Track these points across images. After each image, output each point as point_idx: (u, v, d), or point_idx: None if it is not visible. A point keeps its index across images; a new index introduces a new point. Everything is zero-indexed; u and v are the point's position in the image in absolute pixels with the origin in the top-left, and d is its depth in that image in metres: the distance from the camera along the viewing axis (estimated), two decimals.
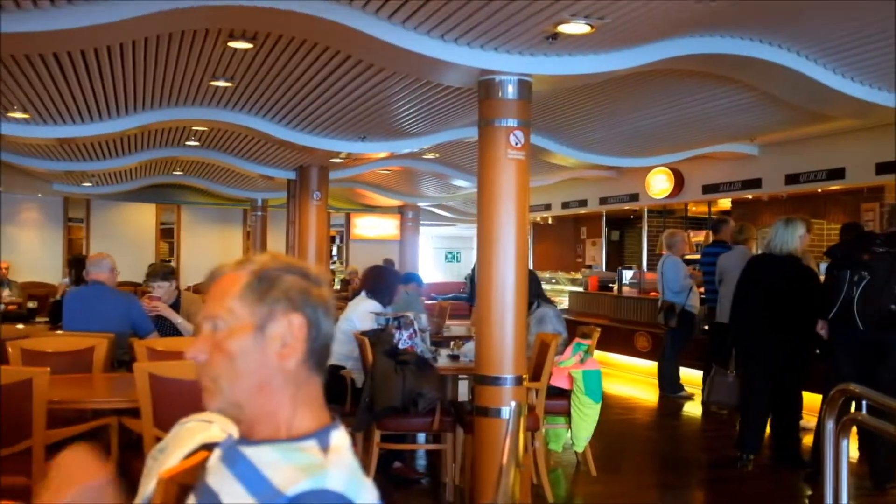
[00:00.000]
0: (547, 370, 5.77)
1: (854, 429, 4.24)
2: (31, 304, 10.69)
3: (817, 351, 6.25)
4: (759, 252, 8.18)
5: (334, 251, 20.49)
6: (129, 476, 3.51)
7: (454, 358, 6.10)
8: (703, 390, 8.33)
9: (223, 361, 1.40)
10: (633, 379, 11.17)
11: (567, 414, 6.24)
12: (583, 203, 15.22)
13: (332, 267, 18.64)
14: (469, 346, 6.06)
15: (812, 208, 11.65)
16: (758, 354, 6.37)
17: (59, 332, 6.19)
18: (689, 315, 9.42)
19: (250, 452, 1.38)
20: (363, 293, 6.59)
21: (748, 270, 6.58)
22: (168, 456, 1.63)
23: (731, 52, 5.62)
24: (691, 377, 9.69)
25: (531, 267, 6.53)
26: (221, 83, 7.10)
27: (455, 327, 9.24)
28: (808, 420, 6.72)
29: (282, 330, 1.41)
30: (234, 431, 1.46)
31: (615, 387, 10.38)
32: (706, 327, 9.29)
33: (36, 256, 16.39)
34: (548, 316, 6.53)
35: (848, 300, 5.60)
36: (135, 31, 5.36)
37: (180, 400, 3.96)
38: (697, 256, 10.44)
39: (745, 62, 5.80)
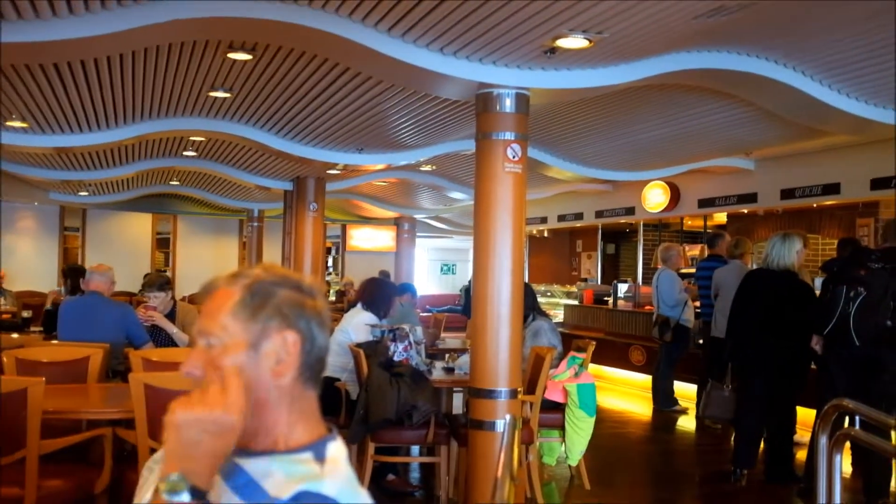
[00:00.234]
0: (542, 383, 5.77)
1: (847, 444, 4.25)
2: (25, 314, 10.66)
3: (813, 366, 6.26)
4: (755, 266, 8.20)
5: (330, 262, 20.49)
6: (123, 487, 3.51)
7: (449, 371, 6.10)
8: (697, 404, 8.34)
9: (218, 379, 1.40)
10: (627, 392, 11.17)
11: (561, 427, 6.24)
12: (579, 216, 15.24)
13: (327, 278, 18.63)
14: (464, 359, 6.07)
15: (807, 223, 11.68)
16: (753, 369, 6.38)
17: (53, 341, 6.18)
18: (683, 329, 9.42)
19: (247, 464, 1.38)
20: (359, 305, 6.59)
21: (745, 285, 6.59)
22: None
23: (729, 67, 5.65)
24: (686, 391, 9.69)
25: (526, 280, 6.54)
26: (220, 94, 7.11)
27: (450, 340, 9.24)
28: (802, 435, 6.73)
29: (276, 347, 1.40)
30: None
31: (609, 400, 10.37)
32: (701, 341, 9.30)
33: (31, 265, 16.36)
34: (543, 329, 6.54)
35: (844, 316, 5.62)
36: (135, 42, 5.37)
37: None
38: (693, 270, 10.45)
39: (743, 78, 5.83)
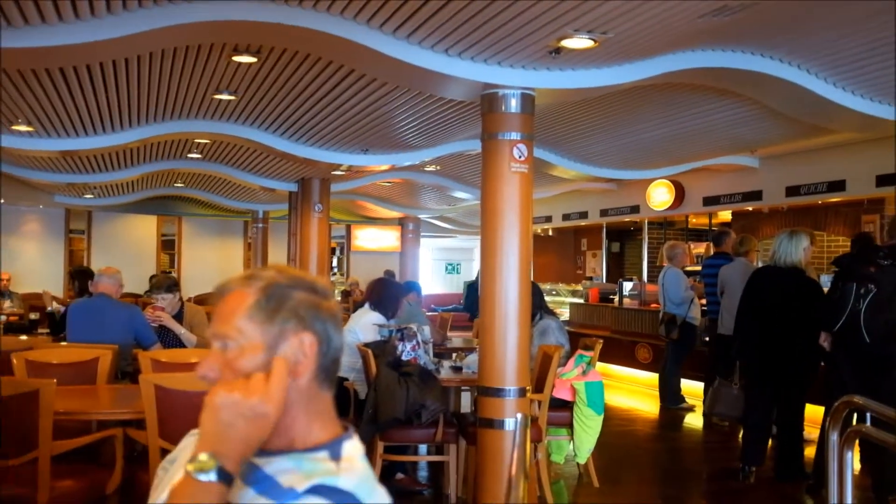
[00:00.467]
0: (550, 382, 5.78)
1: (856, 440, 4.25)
2: (32, 316, 10.68)
3: (822, 363, 6.26)
4: (761, 264, 8.20)
5: (335, 263, 20.50)
6: (134, 487, 3.53)
7: (457, 370, 6.12)
8: (704, 402, 8.35)
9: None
10: (633, 390, 11.18)
11: (569, 425, 6.25)
12: (583, 215, 15.24)
13: (332, 278, 18.64)
14: (472, 358, 6.08)
15: (812, 220, 11.68)
16: (761, 366, 6.39)
17: (62, 343, 6.21)
18: (690, 327, 9.43)
19: (264, 463, 1.40)
20: (367, 305, 6.62)
21: (752, 282, 6.59)
22: (179, 467, 1.63)
23: (733, 66, 5.65)
24: (692, 389, 9.70)
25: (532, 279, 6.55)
26: (225, 96, 7.13)
27: (455, 338, 9.26)
28: (810, 432, 6.73)
29: (293, 349, 1.41)
30: None
31: (616, 398, 10.38)
32: (707, 339, 9.31)
33: (37, 268, 16.38)
34: (550, 328, 6.56)
35: (854, 312, 5.62)
36: (140, 46, 5.39)
37: (185, 411, 3.98)
38: (698, 268, 10.46)
39: (747, 76, 5.83)
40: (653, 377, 10.46)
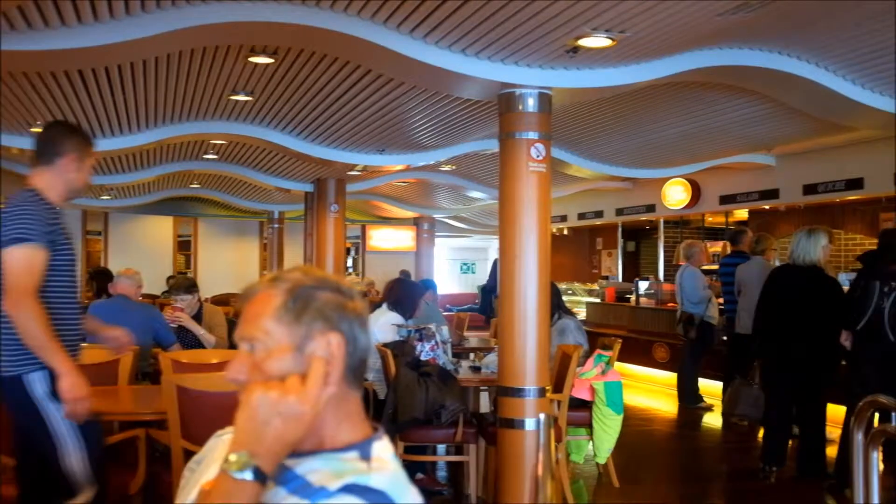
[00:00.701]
0: (569, 381, 5.77)
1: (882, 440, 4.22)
2: None
3: (843, 362, 6.22)
4: (779, 263, 8.16)
5: (350, 263, 20.54)
6: (157, 487, 3.55)
7: (476, 369, 6.11)
8: (722, 401, 8.31)
9: None
10: (651, 390, 11.14)
11: (589, 425, 6.23)
12: (599, 214, 15.20)
13: (347, 279, 18.64)
14: (491, 358, 6.07)
15: (830, 218, 11.60)
16: (781, 365, 6.35)
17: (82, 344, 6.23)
18: (708, 326, 9.40)
19: (294, 463, 1.40)
20: (385, 305, 6.62)
21: (771, 281, 6.56)
22: (206, 467, 1.64)
23: (751, 64, 5.62)
24: (710, 388, 9.66)
25: None
26: (241, 97, 7.15)
27: (472, 338, 9.26)
28: (831, 431, 6.69)
29: (321, 350, 1.42)
30: None
31: (634, 398, 10.35)
32: (725, 338, 9.27)
33: None
34: (569, 327, 6.55)
35: (878, 311, 5.59)
36: (158, 48, 5.41)
37: (207, 412, 3.99)
38: (715, 267, 10.42)
39: (765, 74, 5.80)
40: (670, 376, 10.43)
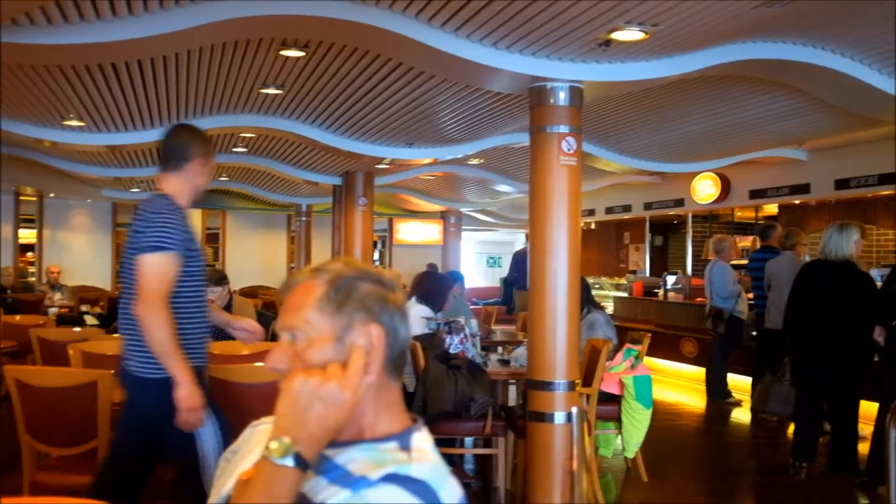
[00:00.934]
0: (598, 376, 5.77)
1: None
2: (83, 308, 10.87)
3: (875, 358, 6.17)
4: (809, 258, 8.10)
5: (376, 256, 20.59)
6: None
7: (504, 363, 6.12)
8: (751, 396, 8.26)
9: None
10: (679, 385, 11.09)
11: (617, 419, 6.22)
12: (627, 208, 15.15)
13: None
14: (520, 351, 6.08)
15: (861, 213, 11.49)
16: (813, 360, 6.31)
17: (115, 335, 6.29)
18: (737, 321, 9.35)
19: (334, 454, 1.40)
20: (413, 298, 6.64)
21: (802, 276, 6.51)
22: (242, 458, 1.65)
23: (784, 57, 5.58)
24: (739, 383, 9.61)
25: None
26: (271, 91, 7.18)
27: (497, 332, 9.25)
28: (863, 428, 6.63)
29: (361, 340, 1.42)
30: None
31: (662, 392, 10.30)
32: (754, 333, 9.22)
33: (86, 261, 16.66)
34: (598, 322, 6.54)
35: None
36: (191, 41, 5.44)
37: (239, 402, 4.03)
38: (745, 262, 10.35)
39: (798, 67, 5.75)
40: (698, 371, 10.38)
